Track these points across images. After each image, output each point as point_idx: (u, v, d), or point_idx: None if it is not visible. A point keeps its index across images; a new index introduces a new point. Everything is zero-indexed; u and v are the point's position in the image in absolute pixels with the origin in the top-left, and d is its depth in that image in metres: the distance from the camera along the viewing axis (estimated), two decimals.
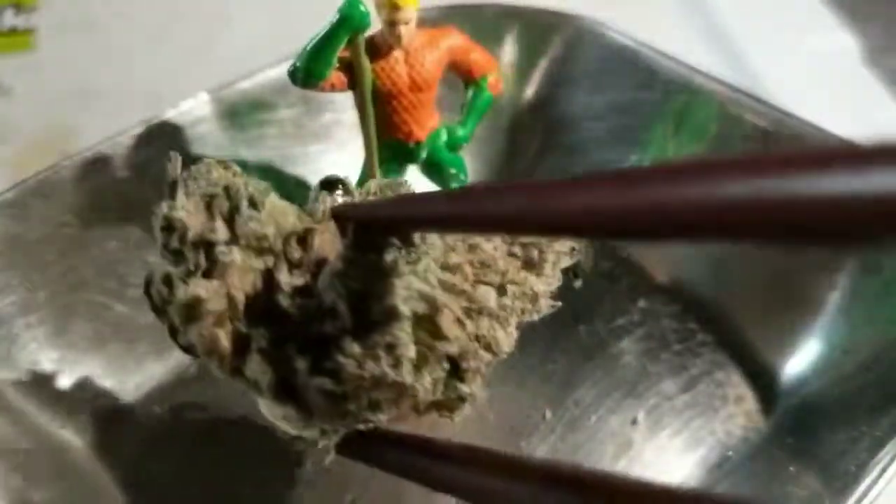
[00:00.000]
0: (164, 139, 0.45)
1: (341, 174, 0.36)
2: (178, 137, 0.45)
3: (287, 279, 0.30)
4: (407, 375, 0.29)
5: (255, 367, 0.29)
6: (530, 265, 0.35)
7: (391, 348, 0.28)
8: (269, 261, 0.30)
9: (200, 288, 0.29)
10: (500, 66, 0.43)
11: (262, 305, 0.30)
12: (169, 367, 0.44)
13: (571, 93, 0.51)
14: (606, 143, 0.50)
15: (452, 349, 0.30)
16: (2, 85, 0.63)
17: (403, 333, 0.28)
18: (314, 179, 0.46)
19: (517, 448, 0.41)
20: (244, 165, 0.44)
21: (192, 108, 0.46)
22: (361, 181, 0.42)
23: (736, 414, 0.42)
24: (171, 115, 0.45)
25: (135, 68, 0.65)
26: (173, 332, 0.30)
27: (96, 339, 0.43)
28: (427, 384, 0.30)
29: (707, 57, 0.65)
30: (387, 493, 0.39)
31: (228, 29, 0.68)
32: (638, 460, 0.40)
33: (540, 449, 0.41)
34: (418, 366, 0.29)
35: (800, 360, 0.43)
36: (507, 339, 0.33)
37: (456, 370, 0.31)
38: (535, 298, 0.35)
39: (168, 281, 0.30)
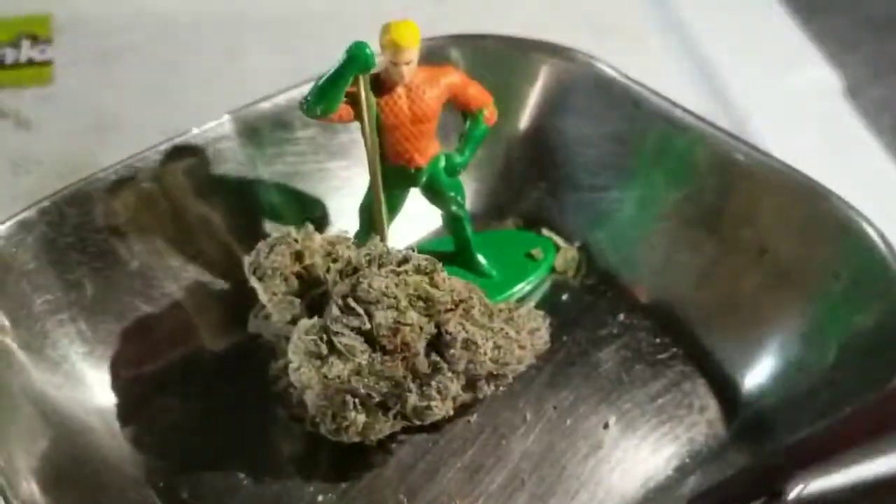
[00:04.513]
0: (188, 156, 0.49)
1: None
2: (201, 154, 0.49)
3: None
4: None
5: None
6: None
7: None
8: None
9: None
10: (494, 99, 0.46)
11: None
12: (187, 361, 0.48)
13: (563, 121, 0.55)
14: (594, 170, 0.54)
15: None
16: (21, 117, 0.66)
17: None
18: (328, 194, 0.51)
19: (498, 446, 0.45)
20: (262, 181, 0.48)
21: (215, 127, 0.50)
22: (366, 203, 0.47)
23: (699, 422, 0.46)
24: (195, 133, 0.49)
25: (149, 100, 0.67)
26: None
27: (122, 335, 0.47)
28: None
29: (692, 90, 0.69)
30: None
31: (239, 61, 0.71)
32: (606, 461, 0.44)
33: (518, 448, 0.45)
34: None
35: (758, 375, 0.47)
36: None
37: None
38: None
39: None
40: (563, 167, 0.55)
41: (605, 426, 0.46)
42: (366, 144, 0.44)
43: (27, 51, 0.71)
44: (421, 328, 0.41)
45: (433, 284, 0.42)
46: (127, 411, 0.46)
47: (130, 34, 0.73)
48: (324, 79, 0.41)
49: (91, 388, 0.46)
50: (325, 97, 0.41)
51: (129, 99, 0.68)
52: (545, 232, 0.55)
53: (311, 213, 0.52)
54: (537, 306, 0.49)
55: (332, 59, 0.60)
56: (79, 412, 0.44)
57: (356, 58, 0.40)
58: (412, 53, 0.42)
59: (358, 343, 0.40)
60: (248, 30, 0.74)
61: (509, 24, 0.68)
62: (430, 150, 0.45)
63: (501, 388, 0.45)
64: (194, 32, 0.73)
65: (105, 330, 0.47)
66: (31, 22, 0.73)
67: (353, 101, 0.42)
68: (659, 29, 0.75)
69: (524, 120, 0.55)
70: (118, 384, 0.46)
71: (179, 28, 0.74)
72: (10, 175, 0.61)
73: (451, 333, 0.41)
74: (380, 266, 0.42)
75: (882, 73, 0.72)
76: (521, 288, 0.52)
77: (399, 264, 0.42)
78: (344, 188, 0.53)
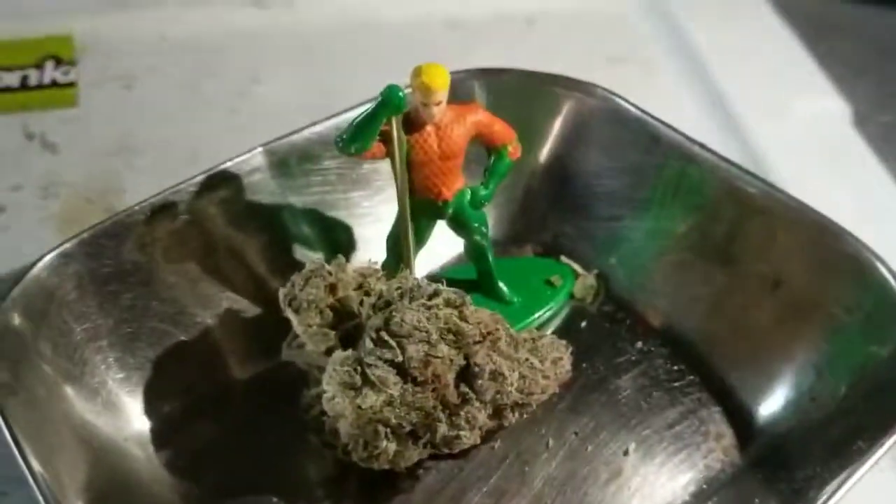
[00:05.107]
0: (222, 187, 0.50)
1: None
2: (234, 186, 0.51)
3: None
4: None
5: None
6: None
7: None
8: None
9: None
10: (515, 131, 0.48)
11: None
12: (218, 387, 0.50)
13: (581, 153, 0.56)
14: (610, 200, 0.56)
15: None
16: (47, 140, 0.67)
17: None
18: (353, 222, 0.52)
19: (522, 472, 0.46)
20: (290, 211, 0.50)
21: (248, 159, 0.51)
22: (394, 234, 0.48)
23: (715, 449, 0.47)
24: (228, 165, 0.50)
25: (171, 124, 0.68)
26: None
27: (156, 361, 0.48)
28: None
29: (702, 118, 0.70)
30: None
31: (261, 83, 0.72)
32: (626, 487, 0.46)
33: (541, 474, 0.46)
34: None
35: (772, 404, 0.48)
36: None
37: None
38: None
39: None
40: (581, 197, 0.57)
41: (626, 452, 0.47)
42: (396, 179, 0.46)
43: (51, 72, 0.72)
44: (451, 360, 0.43)
45: (462, 318, 0.43)
46: (162, 436, 0.47)
47: (153, 56, 0.74)
48: (358, 119, 0.43)
49: (128, 413, 0.47)
50: (359, 137, 0.43)
51: (153, 121, 0.69)
52: (563, 259, 0.56)
53: (337, 241, 0.54)
54: (556, 333, 0.50)
55: (352, 81, 0.63)
56: (117, 438, 0.46)
57: (389, 100, 0.42)
58: (442, 95, 0.43)
59: (391, 375, 0.42)
60: (269, 52, 0.75)
61: (523, 53, 0.70)
62: (456, 185, 0.47)
63: (525, 416, 0.46)
64: (216, 55, 0.75)
65: (141, 356, 0.48)
66: (54, 43, 0.74)
67: (385, 139, 0.44)
68: (669, 56, 0.77)
69: (543, 151, 0.57)
70: (153, 410, 0.48)
71: (201, 50, 0.75)
72: (39, 199, 0.62)
73: (479, 365, 0.43)
74: (411, 299, 0.43)
75: (889, 99, 0.73)
76: (541, 315, 0.54)
77: (430, 298, 0.44)
78: (368, 216, 0.55)
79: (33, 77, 0.71)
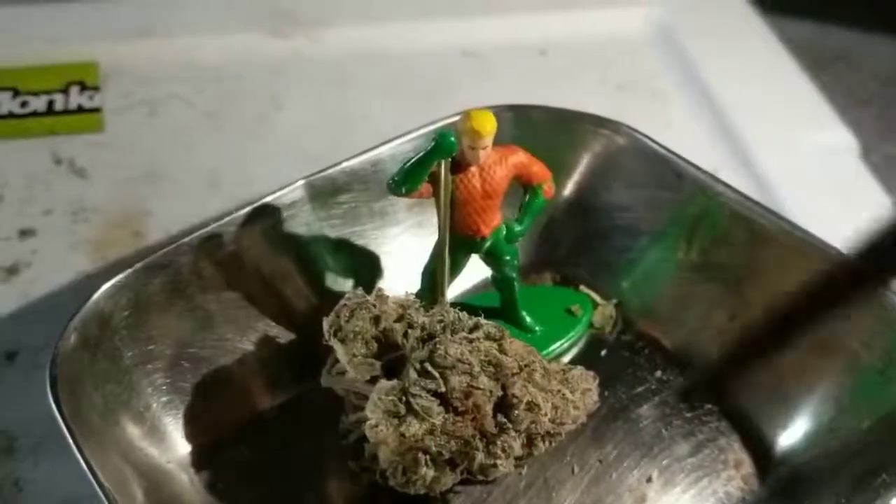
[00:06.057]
0: (264, 220, 0.52)
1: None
2: (274, 218, 0.52)
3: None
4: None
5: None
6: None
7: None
8: None
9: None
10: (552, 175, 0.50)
11: None
12: (254, 412, 0.52)
13: (604, 187, 0.59)
14: (631, 232, 0.58)
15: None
16: (76, 165, 0.68)
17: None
18: (375, 248, 0.55)
19: (549, 498, 0.48)
20: (323, 242, 0.52)
21: (288, 193, 0.53)
22: (430, 267, 0.50)
23: (735, 477, 0.49)
24: (270, 199, 0.52)
25: (196, 149, 0.70)
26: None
27: (198, 385, 0.50)
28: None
29: (708, 145, 0.73)
30: None
31: (279, 110, 0.74)
32: None
33: (567, 499, 0.48)
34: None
35: (791, 435, 0.50)
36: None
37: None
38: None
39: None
40: (603, 229, 0.59)
41: (648, 479, 0.49)
42: (439, 217, 0.48)
43: (76, 97, 0.74)
44: (491, 392, 0.44)
45: (502, 350, 0.45)
46: (203, 460, 0.49)
47: (175, 83, 0.76)
48: (410, 162, 0.45)
49: (171, 437, 0.49)
50: (410, 179, 0.46)
51: (177, 147, 0.71)
52: (583, 288, 0.58)
53: (366, 270, 0.56)
54: (577, 362, 0.53)
55: (371, 108, 0.64)
56: (161, 461, 0.48)
57: (441, 145, 0.44)
58: (489, 140, 0.46)
59: (434, 405, 0.43)
60: (290, 80, 0.77)
61: (536, 81, 0.72)
62: (494, 222, 0.49)
63: (553, 444, 0.48)
64: (238, 82, 0.77)
65: (183, 381, 0.50)
66: (80, 69, 0.76)
67: (433, 179, 0.46)
68: (675, 84, 0.79)
69: (568, 184, 0.59)
70: (194, 433, 0.50)
71: (223, 78, 0.77)
72: (69, 223, 0.64)
73: (516, 396, 0.45)
74: (453, 332, 0.45)
75: (894, 130, 0.76)
76: (562, 343, 0.56)
77: (471, 331, 0.46)
78: (393, 246, 0.57)
79: (59, 102, 0.73)
